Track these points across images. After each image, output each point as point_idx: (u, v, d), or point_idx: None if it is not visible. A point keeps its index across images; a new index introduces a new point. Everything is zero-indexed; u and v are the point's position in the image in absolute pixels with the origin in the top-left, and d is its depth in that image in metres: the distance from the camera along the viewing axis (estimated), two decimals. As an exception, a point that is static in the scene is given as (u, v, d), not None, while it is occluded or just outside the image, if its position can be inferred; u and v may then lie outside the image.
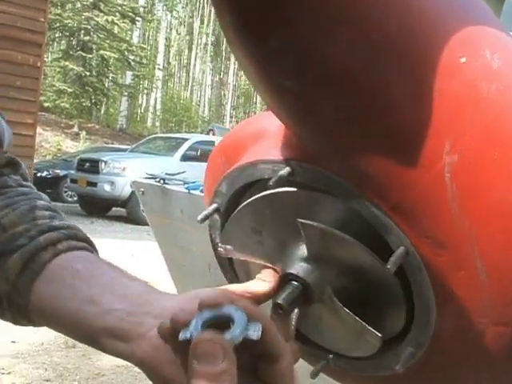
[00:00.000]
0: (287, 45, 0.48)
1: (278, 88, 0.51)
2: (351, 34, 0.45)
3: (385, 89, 0.46)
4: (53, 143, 21.37)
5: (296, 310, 0.62)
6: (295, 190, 0.59)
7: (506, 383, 0.60)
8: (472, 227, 0.49)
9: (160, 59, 39.21)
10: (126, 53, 28.50)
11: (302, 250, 0.62)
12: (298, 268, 0.61)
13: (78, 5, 26.20)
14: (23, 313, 0.65)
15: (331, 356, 0.68)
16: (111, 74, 29.84)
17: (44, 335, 4.28)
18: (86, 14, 25.73)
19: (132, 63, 29.78)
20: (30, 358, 3.98)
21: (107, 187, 12.06)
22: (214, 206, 0.67)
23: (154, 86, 39.11)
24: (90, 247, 0.70)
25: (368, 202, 0.54)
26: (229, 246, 0.67)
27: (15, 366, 3.84)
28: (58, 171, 14.49)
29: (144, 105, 41.41)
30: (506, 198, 0.47)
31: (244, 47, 0.51)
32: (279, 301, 0.59)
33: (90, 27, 26.15)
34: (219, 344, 0.47)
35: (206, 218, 0.67)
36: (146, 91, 39.90)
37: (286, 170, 0.58)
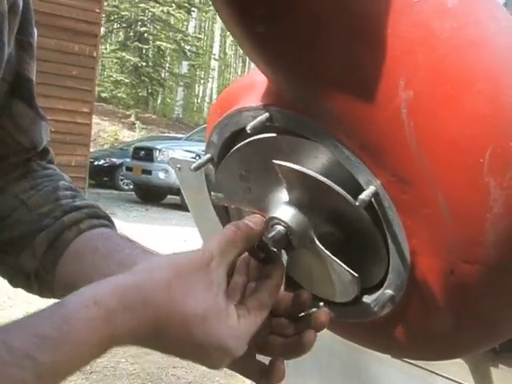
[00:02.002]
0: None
1: (251, 34, 0.54)
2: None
3: (339, 31, 0.49)
4: (110, 133, 21.77)
5: (284, 256, 0.65)
6: (275, 135, 0.62)
7: (483, 323, 0.61)
8: (432, 164, 0.51)
9: (216, 49, 39.40)
10: (182, 43, 28.77)
11: (286, 195, 0.64)
12: (281, 212, 0.64)
13: (135, -4, 26.64)
14: (48, 287, 0.71)
15: (322, 303, 0.70)
16: (167, 65, 30.21)
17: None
18: (143, 5, 26.09)
19: (188, 53, 30.05)
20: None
21: (161, 175, 12.21)
22: (208, 156, 0.71)
23: (210, 75, 39.38)
24: (110, 223, 0.74)
25: (339, 142, 0.56)
26: (220, 194, 0.70)
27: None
28: (114, 160, 14.75)
29: (200, 95, 41.73)
30: (462, 132, 0.49)
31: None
32: (262, 243, 0.62)
33: (146, 18, 26.52)
34: None
35: (199, 167, 0.71)
36: (202, 81, 40.19)
37: (264, 116, 0.60)
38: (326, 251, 0.63)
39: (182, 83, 31.38)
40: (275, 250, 0.62)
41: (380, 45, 0.48)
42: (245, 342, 0.55)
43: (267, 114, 0.60)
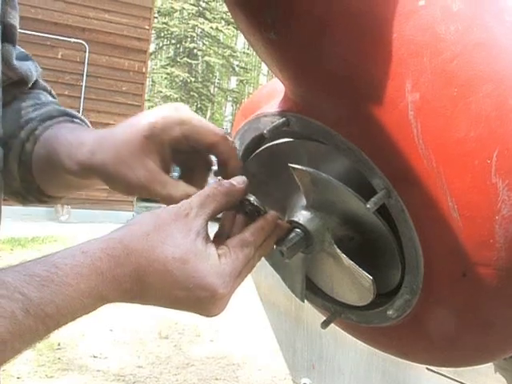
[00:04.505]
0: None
1: (264, 41, 0.56)
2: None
3: (346, 35, 0.50)
4: (159, 147, 21.99)
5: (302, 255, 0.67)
6: (292, 139, 0.63)
7: (499, 329, 0.61)
8: (439, 165, 0.51)
9: (264, 65, 39.58)
10: (231, 59, 29.06)
11: (304, 199, 0.66)
12: (300, 216, 0.65)
13: (185, 13, 27.01)
14: (40, 195, 0.79)
15: (337, 308, 0.71)
16: (216, 80, 30.51)
17: (140, 326, 4.48)
18: (192, 21, 26.48)
19: (236, 69, 30.32)
20: (125, 346, 4.18)
21: (209, 189, 12.30)
22: (231, 161, 0.73)
23: (258, 91, 39.53)
24: (66, 116, 0.78)
25: (351, 145, 0.57)
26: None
27: (111, 352, 4.05)
28: (162, 173, 14.91)
29: (248, 110, 41.82)
30: (469, 133, 0.50)
31: (236, 3, 0.56)
32: (280, 246, 0.63)
33: (195, 35, 26.92)
34: None
35: (221, 172, 0.72)
36: (250, 96, 40.43)
37: (281, 121, 0.62)
38: (342, 254, 0.63)
39: (230, 98, 31.63)
40: (260, 206, 0.64)
41: (386, 48, 0.49)
42: (230, 279, 0.57)
43: (284, 119, 0.62)
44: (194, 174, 0.70)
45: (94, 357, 3.95)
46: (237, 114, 0.79)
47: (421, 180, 0.53)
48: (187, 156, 0.69)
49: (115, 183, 0.67)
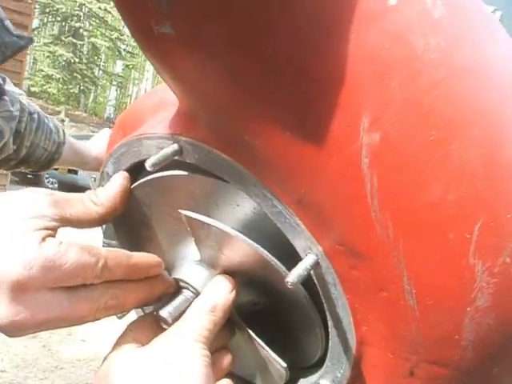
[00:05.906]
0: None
1: (153, 36, 0.38)
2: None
3: (281, 39, 0.33)
4: (38, 129, 21.04)
5: None
6: (185, 173, 0.46)
7: None
8: (398, 236, 0.36)
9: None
10: (118, 42, 28.24)
11: (197, 252, 0.49)
12: (190, 273, 0.48)
13: (72, -10, 25.94)
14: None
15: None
16: (101, 63, 29.59)
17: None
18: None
19: (123, 53, 29.54)
20: (-14, 348, 3.83)
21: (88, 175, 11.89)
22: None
23: (144, 77, 38.78)
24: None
25: (269, 192, 0.41)
26: (113, 242, 0.54)
27: (-29, 354, 3.70)
28: (39, 157, 14.25)
29: (134, 95, 41.15)
30: (445, 198, 0.34)
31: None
32: (163, 314, 0.46)
33: (82, 14, 25.88)
34: None
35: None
36: (136, 81, 39.59)
37: (171, 148, 0.44)
38: (248, 330, 0.48)
39: (115, 82, 30.91)
40: None
41: (337, 63, 0.33)
42: (42, 268, 0.39)
43: (175, 146, 0.44)
44: None
45: (-49, 359, 3.59)
46: (114, 127, 0.60)
47: (367, 251, 0.38)
48: None
49: None
